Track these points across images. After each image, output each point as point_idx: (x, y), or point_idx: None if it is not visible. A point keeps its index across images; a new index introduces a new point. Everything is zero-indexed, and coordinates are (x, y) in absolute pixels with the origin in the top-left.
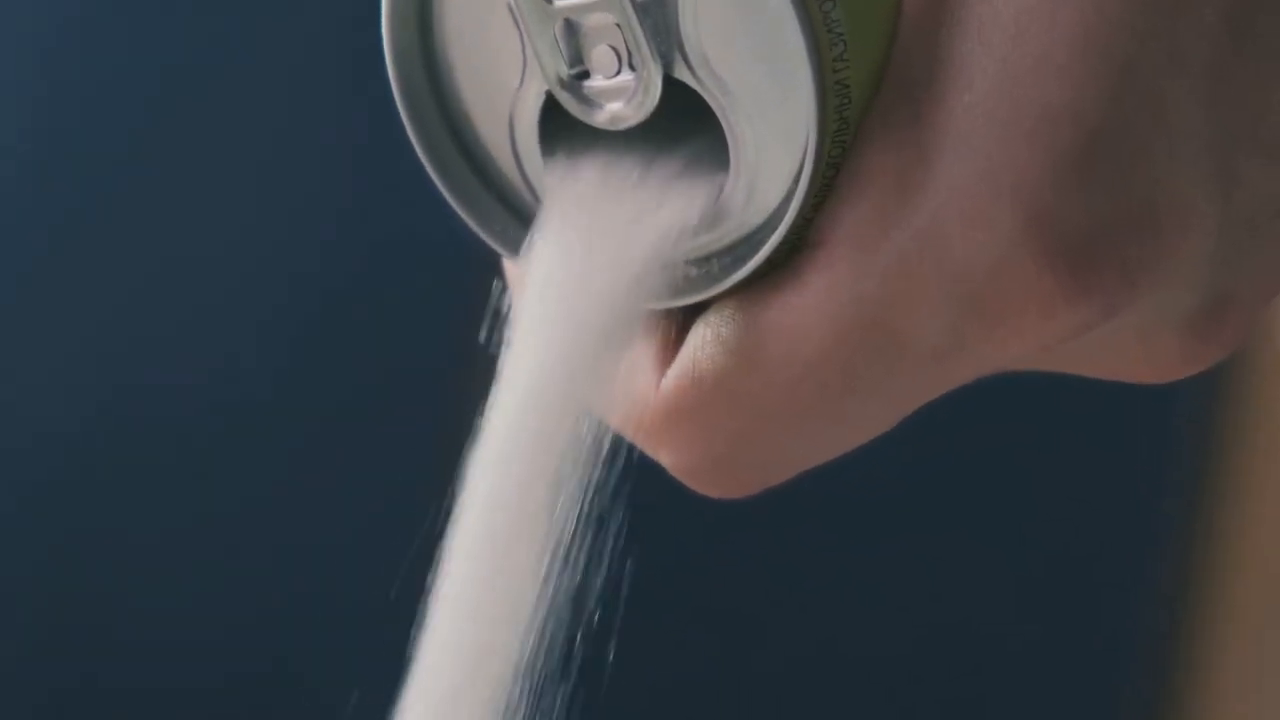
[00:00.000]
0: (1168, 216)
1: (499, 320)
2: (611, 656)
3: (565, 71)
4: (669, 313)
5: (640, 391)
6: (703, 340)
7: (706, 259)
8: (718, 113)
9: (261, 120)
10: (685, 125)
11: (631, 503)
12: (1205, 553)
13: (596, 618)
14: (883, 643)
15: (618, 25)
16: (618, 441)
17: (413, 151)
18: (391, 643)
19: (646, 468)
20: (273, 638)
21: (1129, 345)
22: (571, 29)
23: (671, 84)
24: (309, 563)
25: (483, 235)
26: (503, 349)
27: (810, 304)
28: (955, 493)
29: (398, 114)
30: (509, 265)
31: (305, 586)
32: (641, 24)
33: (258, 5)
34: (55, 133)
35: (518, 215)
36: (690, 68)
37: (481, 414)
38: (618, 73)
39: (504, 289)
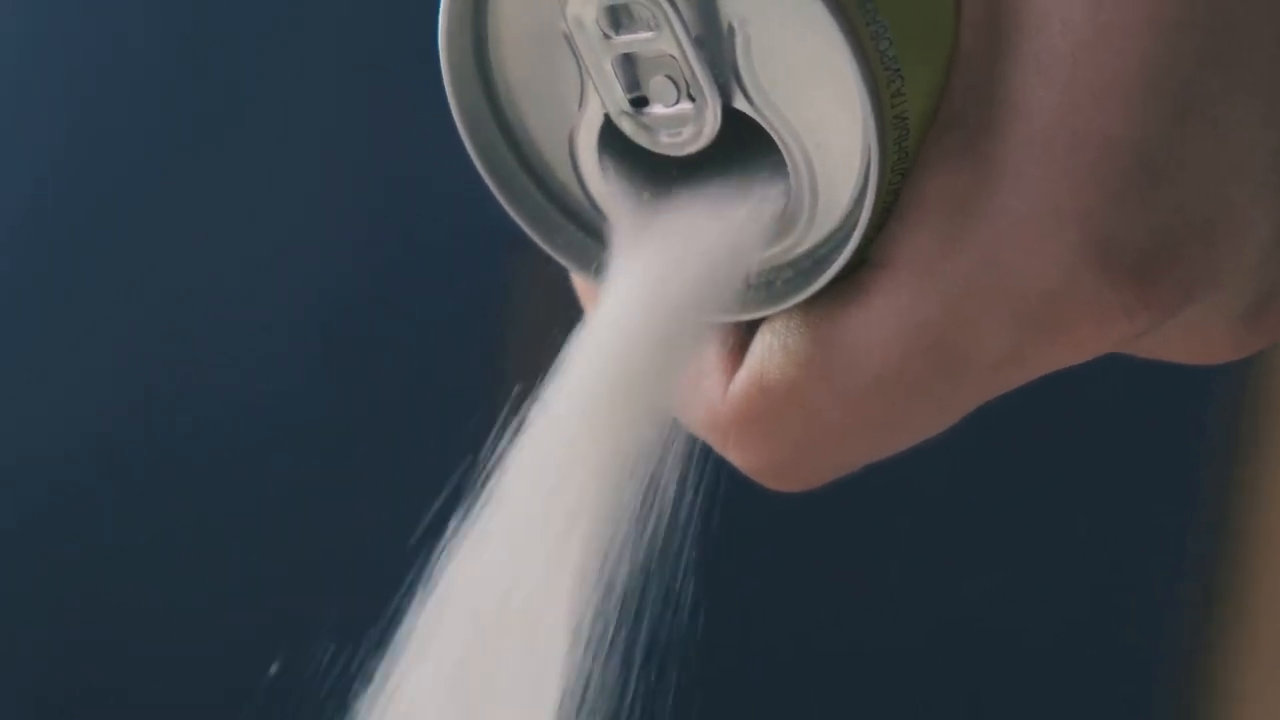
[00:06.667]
0: (1225, 231)
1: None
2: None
3: (624, 101)
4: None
5: (708, 395)
6: (769, 349)
7: (769, 275)
8: (777, 142)
9: (291, 126)
10: (747, 143)
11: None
12: (1232, 556)
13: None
14: (903, 642)
15: (674, 58)
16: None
17: (440, 157)
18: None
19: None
20: (284, 645)
21: (1179, 337)
22: (629, 59)
23: (731, 111)
24: (324, 569)
25: (550, 251)
26: (570, 359)
27: (876, 323)
28: (977, 493)
29: (423, 125)
30: (577, 279)
31: (320, 593)
32: (698, 57)
33: (294, 12)
34: (86, 139)
35: (583, 229)
36: (749, 99)
37: (519, 417)
38: (677, 101)
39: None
